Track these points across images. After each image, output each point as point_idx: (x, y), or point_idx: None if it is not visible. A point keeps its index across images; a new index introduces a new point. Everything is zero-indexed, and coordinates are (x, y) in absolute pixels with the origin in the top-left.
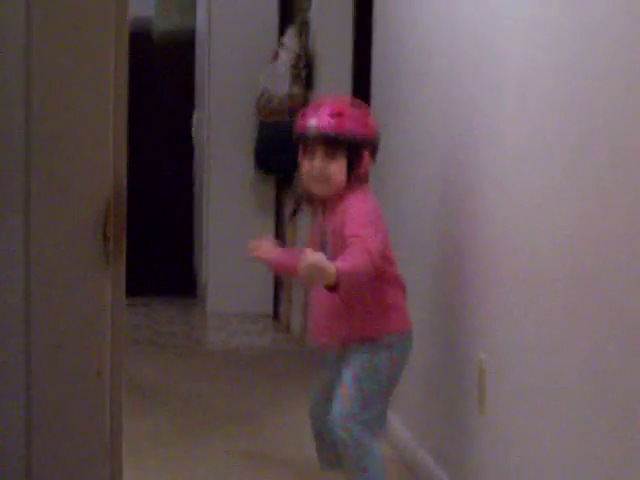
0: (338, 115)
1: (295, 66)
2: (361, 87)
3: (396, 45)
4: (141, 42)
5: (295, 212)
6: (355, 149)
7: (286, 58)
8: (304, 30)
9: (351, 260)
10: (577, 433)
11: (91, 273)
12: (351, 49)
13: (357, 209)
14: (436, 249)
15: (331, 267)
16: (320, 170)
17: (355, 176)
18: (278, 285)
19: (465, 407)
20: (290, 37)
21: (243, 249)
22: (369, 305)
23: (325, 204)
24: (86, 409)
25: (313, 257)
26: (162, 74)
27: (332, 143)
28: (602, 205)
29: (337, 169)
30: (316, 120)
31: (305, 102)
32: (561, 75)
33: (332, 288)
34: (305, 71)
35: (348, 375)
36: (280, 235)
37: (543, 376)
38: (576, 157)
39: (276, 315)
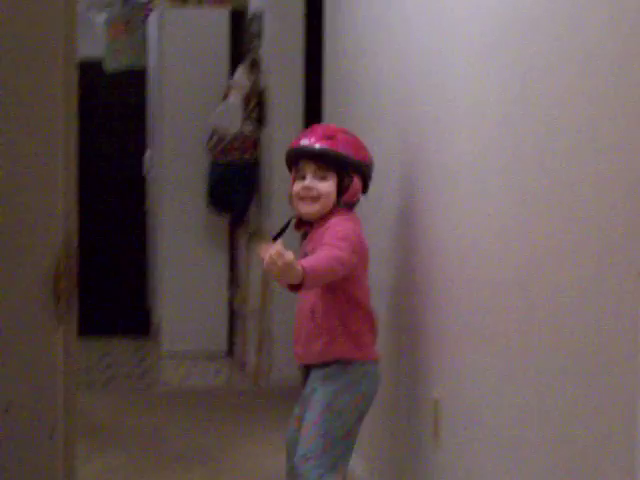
0: (331, 137)
1: (246, 104)
2: (313, 123)
3: (347, 80)
4: (92, 82)
5: (279, 235)
6: (346, 172)
7: (237, 97)
8: (255, 68)
9: (315, 257)
10: (532, 468)
11: (42, 334)
12: (302, 86)
13: (338, 227)
14: (392, 284)
15: (296, 263)
16: (309, 189)
17: (344, 200)
18: (233, 322)
19: (422, 441)
20: (241, 76)
21: (197, 288)
22: (335, 327)
23: (311, 227)
24: (38, 473)
25: (278, 249)
26: (113, 113)
27: (323, 162)
28: (556, 239)
29: (326, 189)
30: (309, 139)
31: (257, 140)
32: (514, 94)
33: (297, 287)
34: (257, 109)
35: (312, 415)
36: (234, 272)
37: (497, 410)
38: (531, 188)
39: (231, 353)
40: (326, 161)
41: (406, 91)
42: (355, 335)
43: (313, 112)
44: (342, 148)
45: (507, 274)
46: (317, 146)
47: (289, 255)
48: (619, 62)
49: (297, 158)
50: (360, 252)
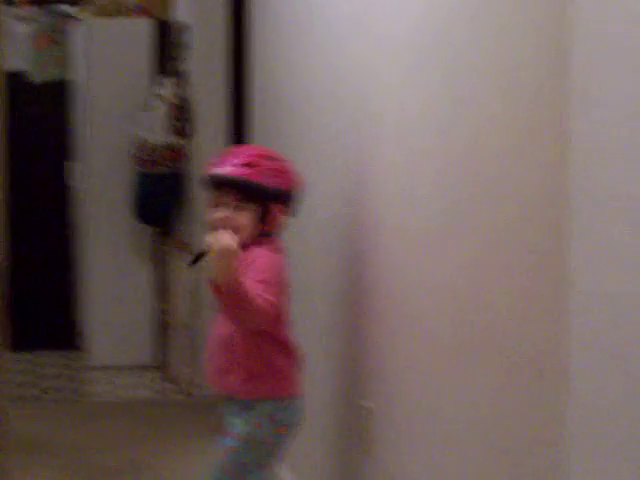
0: (251, 165)
1: (172, 116)
2: (240, 134)
3: (273, 90)
4: (16, 94)
5: (196, 260)
6: (267, 202)
7: (162, 108)
8: (180, 80)
9: (252, 288)
10: (462, 475)
11: None
12: (228, 97)
13: (262, 264)
14: (323, 291)
15: (236, 264)
16: (227, 220)
17: (264, 230)
18: (163, 334)
19: (351, 451)
20: (166, 87)
21: (125, 300)
22: (254, 363)
23: None
24: None
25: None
26: (37, 125)
27: (242, 193)
28: (483, 244)
29: (245, 221)
30: (228, 168)
31: (182, 152)
32: (437, 100)
33: (219, 289)
34: (182, 121)
35: (228, 445)
36: (160, 284)
37: (429, 419)
38: (458, 196)
39: (161, 365)
40: (244, 192)
41: (334, 103)
42: (277, 375)
43: (240, 124)
44: (263, 177)
45: (437, 280)
46: (235, 176)
47: (238, 250)
48: (540, 73)
49: (215, 185)
50: (284, 289)
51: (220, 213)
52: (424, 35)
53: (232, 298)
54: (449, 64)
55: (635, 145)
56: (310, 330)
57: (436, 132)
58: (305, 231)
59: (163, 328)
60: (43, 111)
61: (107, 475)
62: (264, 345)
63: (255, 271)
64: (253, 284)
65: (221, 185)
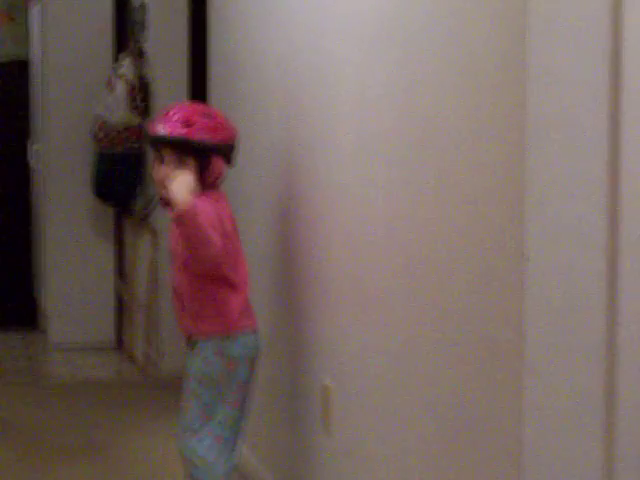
0: (188, 124)
1: (131, 95)
2: None
3: (232, 69)
4: None
5: (147, 214)
6: (205, 156)
7: (122, 87)
8: (139, 58)
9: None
10: (420, 449)
11: None
12: (187, 76)
13: (205, 212)
14: (278, 268)
15: (190, 196)
16: (168, 176)
17: (204, 182)
18: (122, 314)
19: (311, 429)
20: (125, 66)
21: (84, 279)
22: (200, 304)
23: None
24: None
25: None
26: None
27: (180, 150)
28: (446, 227)
29: (187, 173)
30: (166, 126)
31: (142, 131)
32: (397, 76)
33: (176, 219)
34: (142, 99)
35: (187, 388)
36: (122, 261)
37: (385, 394)
38: (415, 176)
39: (119, 344)
40: (183, 149)
41: (292, 81)
42: (223, 312)
43: (199, 100)
44: (199, 134)
45: (394, 259)
46: (172, 136)
47: (191, 179)
48: (498, 54)
49: (157, 144)
50: (223, 228)
51: (164, 169)
52: (383, 15)
53: (193, 234)
54: (407, 45)
55: (585, 117)
56: (268, 307)
57: (394, 113)
58: (258, 203)
59: (122, 308)
60: (1, 91)
61: (66, 455)
62: (208, 286)
63: (205, 218)
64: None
65: (161, 143)
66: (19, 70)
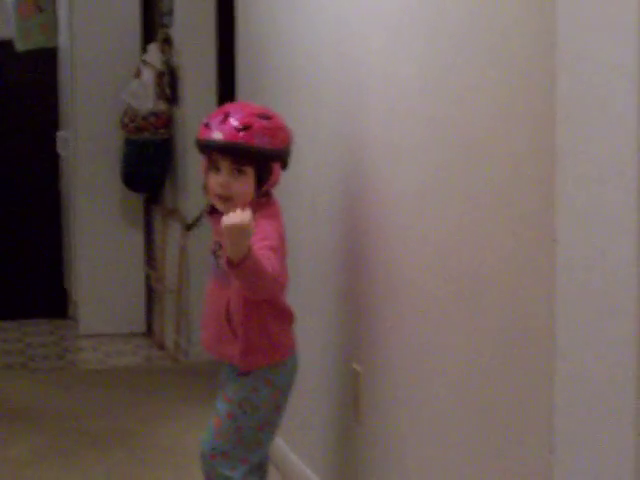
0: (246, 128)
1: (158, 83)
2: (227, 99)
3: (260, 56)
4: (3, 64)
5: (194, 224)
6: (264, 163)
7: (149, 75)
8: (166, 46)
9: (265, 255)
10: (451, 436)
11: None
12: (215, 62)
13: (267, 230)
14: (311, 260)
15: (249, 239)
16: (225, 187)
17: (263, 192)
18: (151, 301)
19: (342, 416)
20: (152, 53)
21: (113, 267)
22: (253, 334)
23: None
24: None
25: (240, 217)
26: (24, 93)
27: (239, 158)
28: (476, 216)
29: (243, 187)
30: (222, 132)
31: (170, 118)
32: (423, 68)
33: (232, 266)
34: (169, 87)
35: (224, 410)
36: (151, 248)
37: (416, 380)
38: (447, 160)
39: (149, 332)
40: (242, 157)
41: (321, 66)
42: (273, 340)
43: (227, 89)
44: (259, 140)
45: (424, 244)
46: (232, 142)
47: (251, 226)
48: (527, 31)
49: (211, 150)
50: (282, 257)
51: (219, 179)
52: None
53: (246, 273)
54: (435, 28)
55: (615, 99)
56: (299, 292)
57: (423, 99)
58: (295, 187)
59: (152, 295)
60: (30, 79)
61: (95, 442)
62: (262, 313)
63: (264, 237)
64: (262, 251)
65: (217, 151)
66: (48, 59)
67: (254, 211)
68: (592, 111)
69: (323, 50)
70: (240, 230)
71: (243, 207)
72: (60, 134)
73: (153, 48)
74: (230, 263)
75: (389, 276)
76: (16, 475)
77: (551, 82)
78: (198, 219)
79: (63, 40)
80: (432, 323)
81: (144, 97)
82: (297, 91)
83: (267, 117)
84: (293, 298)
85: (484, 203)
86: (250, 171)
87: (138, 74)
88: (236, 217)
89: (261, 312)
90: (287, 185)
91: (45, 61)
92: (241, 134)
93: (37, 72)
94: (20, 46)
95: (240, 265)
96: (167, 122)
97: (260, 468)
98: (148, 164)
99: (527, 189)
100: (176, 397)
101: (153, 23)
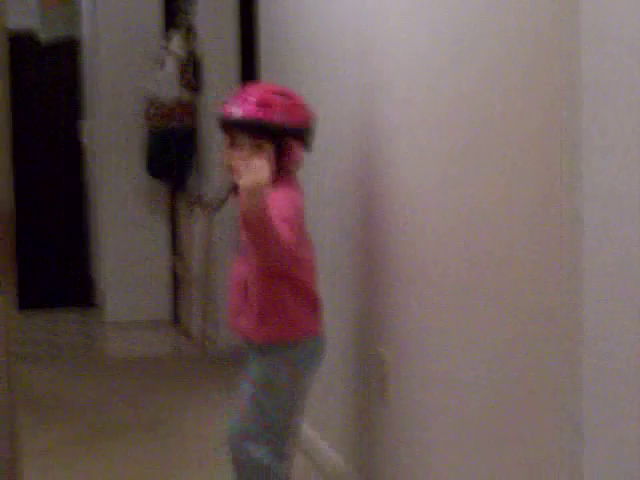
0: (265, 105)
1: (182, 71)
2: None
3: (283, 43)
4: (26, 53)
5: (221, 203)
6: (283, 140)
7: (173, 64)
8: (189, 35)
9: (277, 225)
10: (477, 419)
11: None
12: (238, 51)
13: (283, 203)
14: (335, 243)
15: (265, 198)
16: (242, 162)
17: (282, 168)
18: (177, 289)
19: (368, 399)
20: (175, 43)
21: (139, 256)
22: (267, 306)
23: None
24: None
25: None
26: (48, 84)
27: (258, 134)
28: (498, 198)
29: (263, 162)
30: (242, 109)
31: (194, 107)
32: (446, 68)
33: (247, 222)
34: (193, 76)
35: (247, 392)
36: (176, 238)
37: (442, 363)
38: (469, 140)
39: (176, 320)
40: (261, 132)
41: (342, 50)
42: (289, 316)
43: (250, 77)
44: (278, 116)
45: (448, 229)
46: (250, 118)
47: (267, 181)
48: (554, 16)
49: (230, 127)
50: (299, 227)
51: (238, 155)
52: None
53: (260, 232)
54: (455, 7)
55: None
56: (325, 276)
57: (444, 73)
58: (318, 171)
59: (178, 282)
60: (53, 70)
61: (123, 430)
62: (278, 287)
63: (277, 210)
64: (277, 223)
65: (236, 126)
66: (70, 49)
67: (273, 184)
68: (617, 90)
69: (346, 34)
70: (256, 184)
71: (260, 158)
72: (83, 123)
73: (176, 37)
74: (245, 221)
75: (413, 261)
76: (44, 464)
77: (575, 61)
78: (223, 201)
79: (86, 30)
80: (456, 306)
81: (169, 86)
82: (319, 75)
83: (285, 95)
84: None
85: (506, 184)
86: (269, 147)
87: (160, 62)
88: (251, 176)
89: (279, 287)
90: (311, 165)
91: (68, 52)
92: (259, 110)
93: (60, 63)
94: (44, 37)
95: (255, 224)
96: (191, 111)
97: (287, 456)
98: (173, 153)
99: (550, 169)
100: (202, 385)
101: (175, 12)
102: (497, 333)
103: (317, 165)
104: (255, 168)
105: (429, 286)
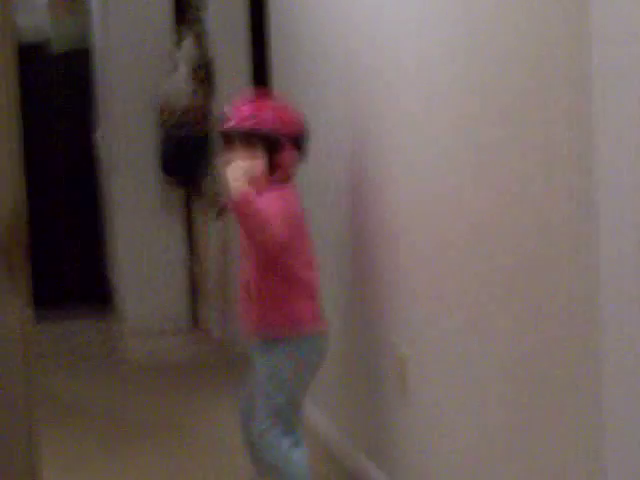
0: (254, 116)
1: (195, 76)
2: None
3: (293, 45)
4: (38, 63)
5: (222, 210)
6: (274, 148)
7: (185, 69)
8: (201, 40)
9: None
10: (496, 412)
11: None
12: (249, 53)
13: (273, 203)
14: (351, 238)
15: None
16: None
17: (276, 173)
18: (196, 292)
19: (387, 394)
20: (187, 48)
21: (156, 261)
22: (266, 302)
23: None
24: (2, 438)
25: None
26: (61, 94)
27: (249, 140)
28: (512, 191)
29: (255, 168)
30: (234, 118)
31: (208, 111)
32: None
33: (236, 205)
34: (205, 79)
35: (256, 386)
36: (192, 239)
37: (462, 360)
38: (481, 139)
39: (195, 323)
40: (251, 141)
41: (353, 54)
42: (291, 314)
43: (261, 81)
44: (267, 123)
45: (463, 224)
46: (239, 127)
47: (247, 167)
48: (561, 9)
49: (225, 140)
50: (292, 222)
51: (230, 162)
52: None
53: (244, 210)
54: (467, 4)
55: None
56: (343, 279)
57: (455, 74)
58: (331, 169)
59: (196, 287)
60: (65, 80)
61: (142, 435)
62: (277, 284)
63: (269, 207)
64: (267, 215)
65: (230, 138)
66: (82, 58)
67: (265, 192)
68: (629, 77)
69: (357, 37)
70: (237, 167)
71: (257, 187)
72: (97, 127)
73: (188, 43)
74: (234, 204)
75: (431, 258)
76: (67, 469)
77: (587, 49)
78: (224, 209)
79: (97, 38)
80: (475, 302)
81: (181, 91)
82: (330, 78)
83: (274, 107)
84: (332, 278)
85: (521, 180)
86: (260, 154)
87: (172, 68)
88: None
89: (272, 281)
90: (324, 166)
91: (80, 60)
92: (250, 118)
93: (72, 72)
94: (56, 48)
95: (240, 199)
96: (204, 115)
97: (299, 440)
98: (187, 157)
99: (566, 160)
100: (220, 390)
101: (187, 17)
102: (515, 325)
103: (331, 160)
104: (235, 162)
105: (446, 283)
